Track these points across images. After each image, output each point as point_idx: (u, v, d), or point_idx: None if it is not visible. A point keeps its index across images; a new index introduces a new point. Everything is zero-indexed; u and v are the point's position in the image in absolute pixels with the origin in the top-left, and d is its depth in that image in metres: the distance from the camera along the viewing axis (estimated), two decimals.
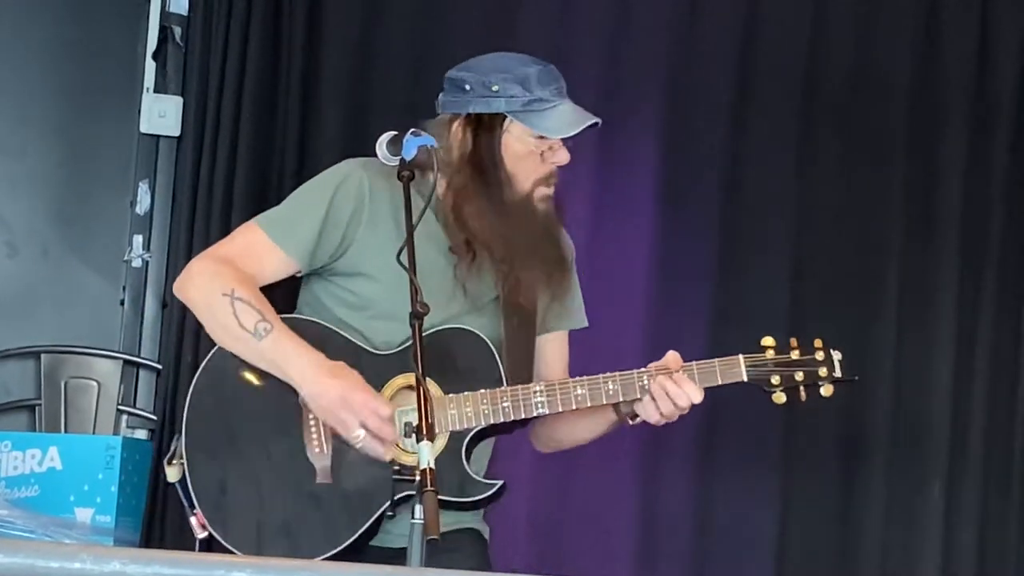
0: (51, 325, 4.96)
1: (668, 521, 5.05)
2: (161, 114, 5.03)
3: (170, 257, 4.95)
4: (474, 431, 3.37)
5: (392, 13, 5.02)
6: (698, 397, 3.42)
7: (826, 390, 3.48)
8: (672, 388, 3.41)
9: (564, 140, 3.48)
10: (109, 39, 5.06)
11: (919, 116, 5.15)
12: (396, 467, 3.20)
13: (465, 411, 3.35)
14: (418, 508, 2.92)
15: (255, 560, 2.17)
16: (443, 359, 3.35)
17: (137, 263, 5.01)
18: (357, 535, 3.31)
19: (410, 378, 3.32)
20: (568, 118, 3.47)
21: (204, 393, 3.40)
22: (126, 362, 4.92)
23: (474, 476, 3.36)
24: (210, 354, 3.42)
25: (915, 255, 5.12)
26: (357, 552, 3.33)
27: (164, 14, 5.04)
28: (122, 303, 4.99)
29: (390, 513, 3.22)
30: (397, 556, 3.16)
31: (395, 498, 3.24)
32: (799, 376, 3.47)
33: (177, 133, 5.03)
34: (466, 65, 3.55)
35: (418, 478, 2.92)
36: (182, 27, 5.04)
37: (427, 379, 3.14)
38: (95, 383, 4.90)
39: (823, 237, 5.13)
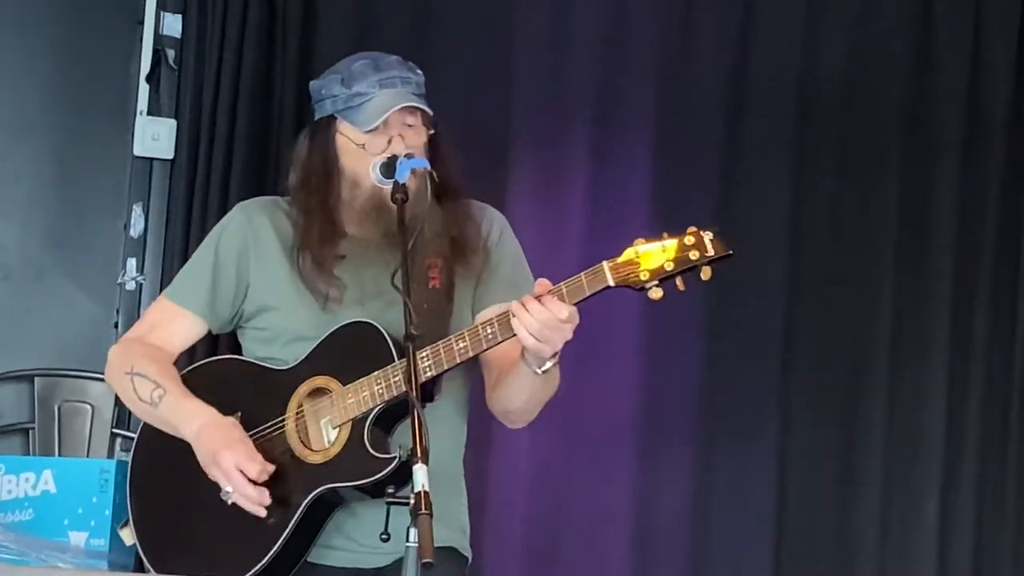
0: (45, 348, 4.96)
1: (663, 541, 5.05)
2: (155, 137, 5.03)
3: (163, 280, 4.94)
4: (373, 412, 3.37)
5: (385, 36, 5.02)
6: (564, 312, 3.25)
7: (704, 273, 3.25)
8: (536, 307, 3.26)
9: (406, 126, 3.48)
10: (103, 62, 5.06)
11: (913, 130, 5.16)
12: (390, 489, 3.22)
13: (362, 396, 3.38)
14: (412, 531, 2.92)
15: None
16: (339, 354, 3.43)
17: (131, 286, 5.01)
18: (282, 540, 3.39)
19: (313, 381, 3.44)
20: (379, 107, 3.46)
21: (141, 454, 3.60)
22: None
23: (373, 454, 3.35)
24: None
25: (909, 269, 5.14)
26: (291, 566, 3.42)
27: (158, 37, 5.05)
28: (116, 326, 4.99)
29: (384, 536, 3.22)
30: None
31: (381, 477, 3.30)
32: (669, 266, 3.24)
33: (171, 156, 5.03)
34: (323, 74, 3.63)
35: (412, 501, 2.93)
36: (175, 50, 5.05)
37: (323, 377, 3.39)
38: (89, 406, 4.89)
39: (816, 250, 5.14)
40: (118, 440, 4.89)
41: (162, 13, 5.05)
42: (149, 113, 5.04)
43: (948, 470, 5.08)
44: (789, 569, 5.08)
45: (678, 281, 3.26)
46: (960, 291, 5.13)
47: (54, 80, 5.02)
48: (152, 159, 5.05)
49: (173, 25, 5.06)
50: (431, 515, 2.90)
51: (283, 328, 3.54)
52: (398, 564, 3.21)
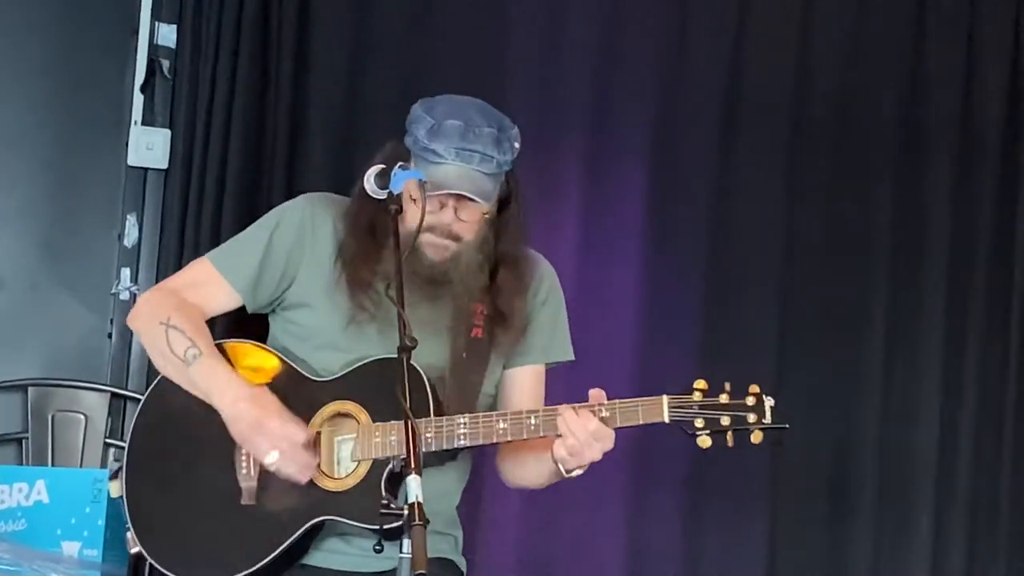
0: (38, 358, 4.95)
1: (657, 560, 5.04)
2: (149, 147, 5.03)
3: None
4: (397, 460, 3.37)
5: (380, 45, 5.02)
6: (594, 429, 3.32)
7: (755, 437, 3.36)
8: (572, 421, 3.33)
9: (457, 205, 3.46)
10: (97, 72, 5.06)
11: (906, 145, 5.17)
12: (384, 501, 3.22)
13: (389, 439, 3.38)
14: (406, 542, 2.92)
15: None
16: (375, 387, 3.41)
17: (125, 296, 5.01)
18: (276, 553, 3.38)
19: (343, 405, 3.43)
20: (441, 178, 3.42)
21: (149, 414, 3.55)
22: (113, 395, 4.91)
23: (384, 504, 3.28)
24: (158, 378, 3.54)
25: (902, 285, 5.15)
26: (281, 571, 3.42)
27: (152, 47, 5.04)
28: (110, 336, 4.98)
29: (378, 548, 3.22)
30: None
31: (383, 528, 3.24)
32: (725, 421, 3.36)
33: (165, 166, 5.03)
34: (428, 100, 3.57)
35: (407, 512, 2.93)
36: (170, 60, 5.04)
37: (355, 404, 3.38)
38: (82, 416, 4.89)
39: (810, 267, 5.14)
40: (111, 450, 4.88)
41: (156, 23, 5.05)
42: (143, 123, 5.04)
43: (942, 480, 5.08)
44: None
45: (728, 436, 3.36)
46: (954, 302, 5.14)
47: (48, 90, 5.01)
48: (146, 169, 5.05)
49: (168, 35, 5.06)
50: (425, 526, 2.90)
51: (315, 331, 3.53)
52: (393, 571, 3.21)
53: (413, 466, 2.99)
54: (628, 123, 5.12)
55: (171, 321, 3.46)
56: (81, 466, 4.80)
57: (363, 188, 3.47)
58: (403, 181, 3.40)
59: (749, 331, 5.07)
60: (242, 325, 3.64)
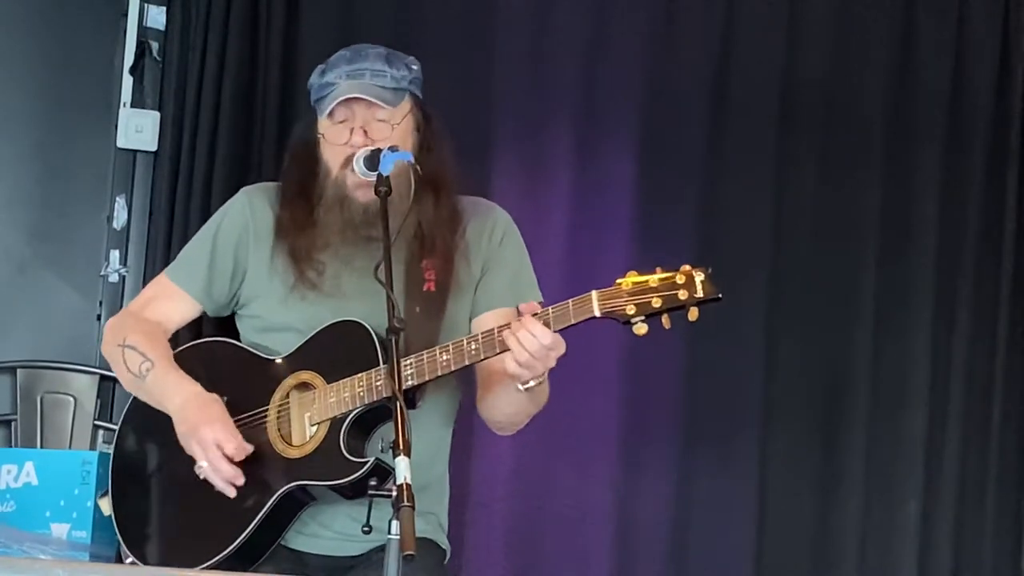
0: (27, 340, 4.95)
1: (645, 533, 5.05)
2: (138, 129, 5.02)
3: (147, 272, 4.94)
4: (353, 414, 3.39)
5: (369, 28, 5.01)
6: (548, 339, 3.25)
7: (692, 314, 3.24)
8: (520, 331, 3.26)
9: (367, 127, 3.50)
10: (86, 54, 5.05)
11: (895, 134, 5.17)
12: (373, 482, 3.23)
13: (343, 396, 3.40)
14: (394, 523, 2.92)
15: None
16: (327, 351, 3.46)
17: (114, 278, 5.01)
18: (250, 531, 3.41)
19: (299, 376, 3.47)
20: (336, 96, 3.50)
21: (128, 426, 3.65)
22: (102, 377, 4.91)
23: (346, 457, 3.36)
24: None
25: (891, 272, 5.14)
26: (261, 552, 3.45)
27: (141, 29, 5.04)
28: (99, 318, 4.98)
29: (366, 528, 3.23)
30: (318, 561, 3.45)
31: (351, 478, 3.32)
32: (656, 302, 3.21)
33: (154, 148, 5.02)
34: None
35: (395, 493, 2.93)
36: (159, 42, 5.04)
37: (310, 372, 3.42)
38: (71, 398, 4.89)
39: (800, 253, 5.14)
40: (100, 432, 4.88)
41: (146, 5, 5.05)
42: (132, 105, 5.04)
43: (929, 471, 5.09)
44: (770, 568, 5.09)
45: (664, 319, 3.26)
46: (942, 291, 5.13)
47: (37, 72, 5.01)
48: (135, 151, 5.05)
49: (157, 17, 5.05)
50: (413, 507, 2.90)
51: (270, 316, 3.57)
52: (372, 553, 3.22)
53: (401, 447, 2.99)
54: (617, 110, 5.12)
55: (127, 341, 3.57)
56: (70, 448, 4.81)
57: (292, 156, 3.56)
58: (392, 162, 3.40)
59: (738, 318, 5.07)
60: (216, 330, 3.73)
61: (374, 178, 3.40)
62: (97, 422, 4.88)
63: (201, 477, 3.41)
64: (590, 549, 5.03)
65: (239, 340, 3.65)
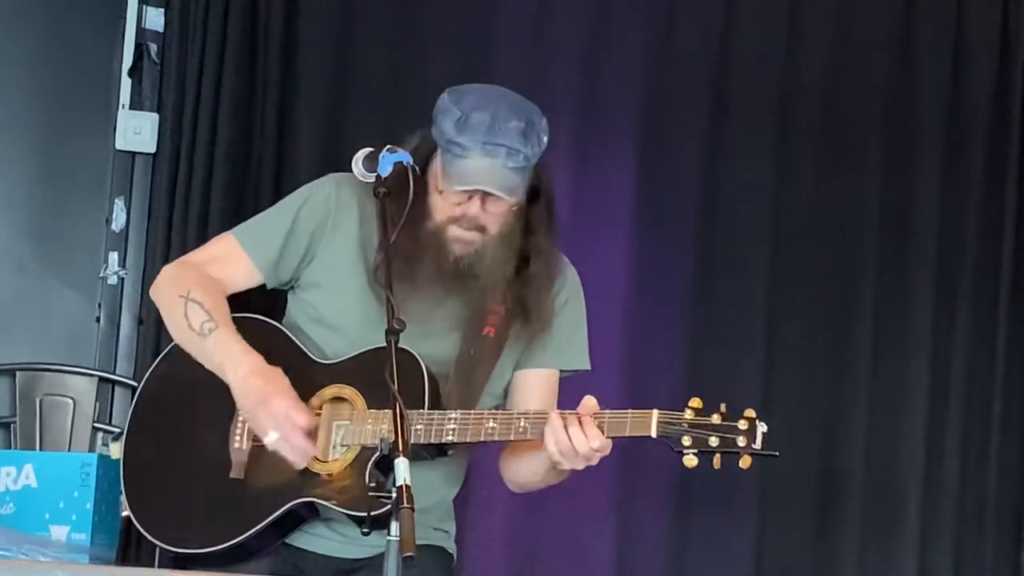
0: (26, 342, 4.95)
1: (643, 551, 5.05)
2: (137, 131, 5.02)
3: (146, 274, 4.94)
4: (383, 449, 3.35)
5: (368, 30, 5.02)
6: (597, 443, 3.30)
7: (744, 462, 3.26)
8: (573, 429, 3.30)
9: (484, 197, 3.43)
10: (85, 56, 5.05)
11: (894, 133, 5.17)
12: (372, 484, 3.23)
13: (381, 427, 3.36)
14: (394, 525, 2.92)
15: None
16: (375, 375, 3.34)
17: (113, 280, 5.01)
18: (257, 529, 3.39)
19: (340, 389, 3.44)
20: (465, 174, 3.41)
21: (158, 380, 3.59)
22: (101, 379, 4.91)
23: (368, 491, 3.31)
24: (170, 345, 3.58)
25: (890, 274, 5.14)
26: (264, 547, 3.44)
27: (140, 31, 5.04)
28: (98, 320, 4.98)
29: (366, 530, 3.22)
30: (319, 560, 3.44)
31: (371, 514, 3.25)
32: (713, 441, 3.26)
33: (153, 150, 5.02)
34: (456, 89, 3.54)
35: (395, 495, 2.92)
36: (158, 44, 5.04)
37: (352, 389, 3.39)
38: (70, 400, 4.88)
39: (799, 255, 5.14)
40: (99, 434, 4.88)
41: (144, 7, 5.04)
42: (131, 107, 5.03)
43: (929, 469, 5.09)
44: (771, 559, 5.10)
45: (715, 459, 3.28)
46: (942, 290, 5.13)
47: (36, 74, 5.01)
48: (134, 153, 5.04)
49: (155, 19, 5.05)
50: (413, 509, 2.90)
51: (327, 313, 3.53)
52: (377, 558, 3.21)
53: (401, 449, 2.98)
54: (617, 110, 5.12)
55: (191, 294, 3.47)
56: (69, 450, 4.80)
57: (408, 171, 3.44)
58: (391, 164, 3.39)
59: (738, 317, 5.07)
60: (251, 301, 3.64)
61: (373, 179, 3.40)
62: (96, 424, 4.88)
63: (270, 449, 3.35)
64: (591, 547, 5.03)
65: (282, 317, 3.61)
